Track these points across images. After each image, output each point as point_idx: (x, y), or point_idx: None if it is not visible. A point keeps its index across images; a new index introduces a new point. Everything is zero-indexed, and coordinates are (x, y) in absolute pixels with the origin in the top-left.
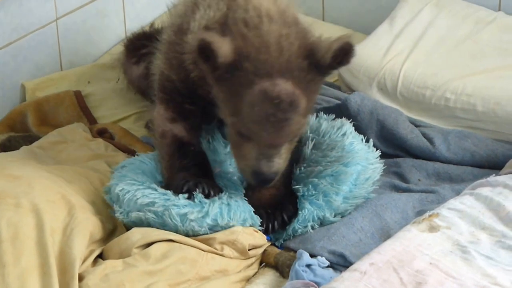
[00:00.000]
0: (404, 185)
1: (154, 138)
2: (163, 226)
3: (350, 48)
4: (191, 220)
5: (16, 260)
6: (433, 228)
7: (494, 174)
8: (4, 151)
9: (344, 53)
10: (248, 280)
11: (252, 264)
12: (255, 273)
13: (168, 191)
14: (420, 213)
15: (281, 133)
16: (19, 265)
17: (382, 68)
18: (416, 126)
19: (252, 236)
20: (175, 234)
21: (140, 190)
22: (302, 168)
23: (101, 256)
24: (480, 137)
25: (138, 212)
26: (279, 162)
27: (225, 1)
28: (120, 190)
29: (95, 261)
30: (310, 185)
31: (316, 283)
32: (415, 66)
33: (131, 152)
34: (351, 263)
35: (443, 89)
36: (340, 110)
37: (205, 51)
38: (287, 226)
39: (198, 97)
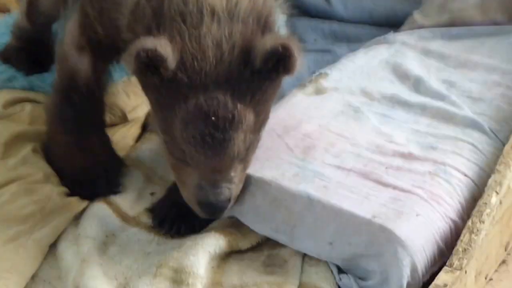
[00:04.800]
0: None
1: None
2: None
3: (286, 52)
4: None
5: None
6: (319, 91)
7: (392, 32)
8: None
9: (279, 57)
10: (133, 146)
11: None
12: (141, 138)
13: None
14: (313, 75)
15: (222, 156)
16: None
17: None
18: None
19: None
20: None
21: None
22: None
23: None
24: None
25: None
26: (229, 187)
27: None
28: None
29: None
30: None
31: None
32: None
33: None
34: None
35: None
36: None
37: (150, 62)
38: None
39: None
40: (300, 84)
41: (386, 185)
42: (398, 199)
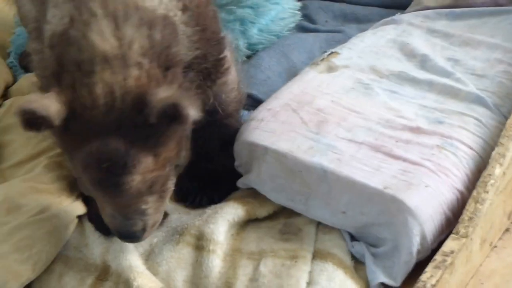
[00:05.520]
0: (311, 26)
1: None
2: None
3: (177, 111)
4: None
5: None
6: (331, 69)
7: (399, 13)
8: None
9: (170, 115)
10: None
11: None
12: None
13: None
14: (325, 54)
15: (122, 197)
16: None
17: None
18: None
19: None
20: None
21: None
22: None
23: None
24: None
25: None
26: (142, 219)
27: (70, 8)
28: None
29: None
30: (228, 11)
31: None
32: None
33: None
34: (260, 101)
35: None
36: None
37: (31, 123)
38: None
39: None
40: (313, 62)
41: (396, 157)
42: (408, 171)
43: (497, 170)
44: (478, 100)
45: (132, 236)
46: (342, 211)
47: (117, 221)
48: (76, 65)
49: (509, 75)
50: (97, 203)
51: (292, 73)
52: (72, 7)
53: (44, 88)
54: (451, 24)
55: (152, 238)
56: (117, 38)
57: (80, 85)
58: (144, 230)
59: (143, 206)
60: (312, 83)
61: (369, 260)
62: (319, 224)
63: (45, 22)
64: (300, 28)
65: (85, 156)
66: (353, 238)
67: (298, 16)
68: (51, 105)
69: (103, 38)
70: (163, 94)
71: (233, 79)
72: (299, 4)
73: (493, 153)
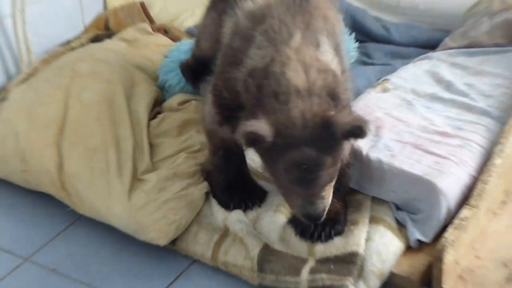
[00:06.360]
0: (369, 60)
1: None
2: None
3: (361, 132)
4: None
5: (111, 117)
6: (385, 90)
7: (431, 51)
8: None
9: (355, 134)
10: None
11: None
12: None
13: None
14: (380, 80)
15: (314, 187)
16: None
17: None
18: (378, 20)
19: None
20: None
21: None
22: None
23: None
24: (423, 27)
25: None
26: (323, 202)
27: (271, 51)
28: (165, 83)
29: None
30: None
31: None
32: None
33: (179, 40)
34: None
35: None
36: None
37: (252, 141)
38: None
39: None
40: (372, 86)
41: (431, 153)
42: (439, 163)
43: (498, 161)
44: (486, 113)
45: (317, 217)
46: (393, 191)
47: (305, 208)
48: (274, 94)
49: (508, 95)
50: (288, 197)
51: (356, 94)
52: (273, 51)
53: (224, 103)
54: (467, 59)
55: (258, 208)
56: (305, 76)
57: (280, 111)
58: (324, 210)
59: (324, 193)
60: (371, 100)
61: (409, 224)
62: (373, 198)
63: (246, 56)
64: (361, 62)
65: (288, 162)
66: (397, 208)
67: (356, 55)
68: (264, 127)
69: (297, 75)
70: (346, 118)
71: None
72: (357, 44)
73: (495, 148)
